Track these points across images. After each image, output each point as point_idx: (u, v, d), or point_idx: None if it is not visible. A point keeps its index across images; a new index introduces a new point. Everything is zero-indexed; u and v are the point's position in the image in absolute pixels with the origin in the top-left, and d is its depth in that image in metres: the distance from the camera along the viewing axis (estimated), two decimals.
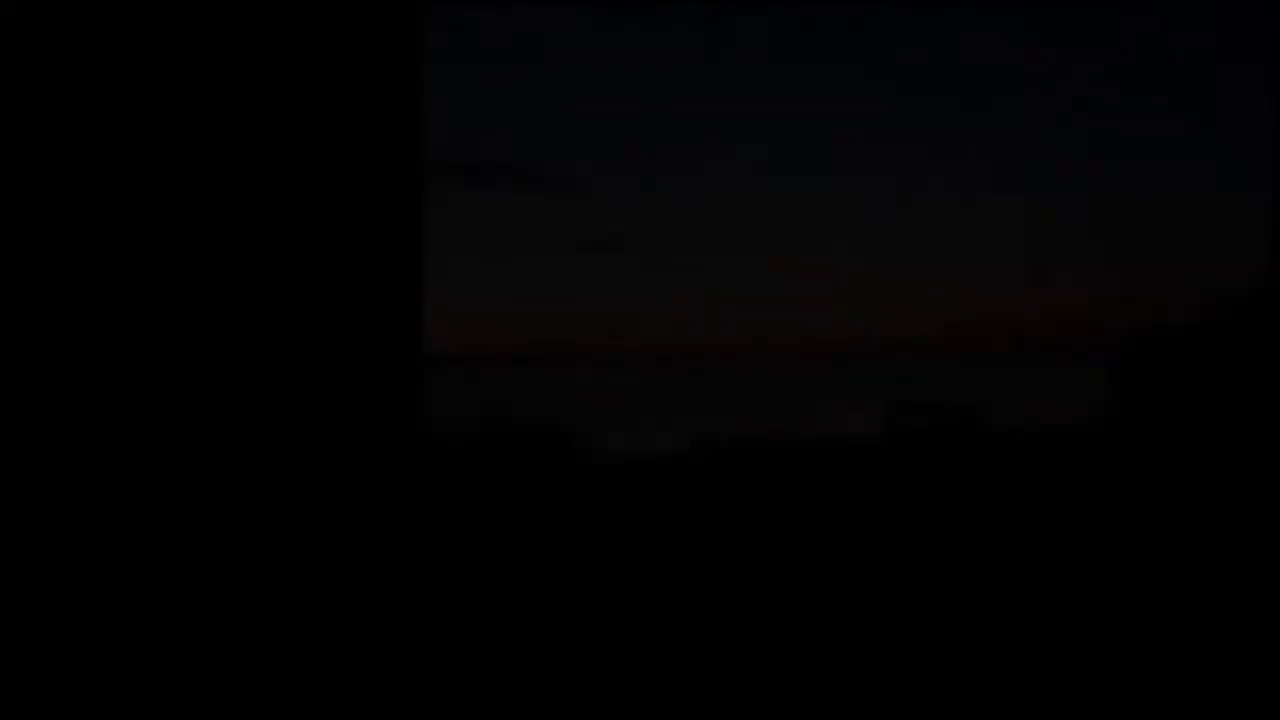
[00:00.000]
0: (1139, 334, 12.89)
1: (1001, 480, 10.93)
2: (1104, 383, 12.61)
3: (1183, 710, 4.00)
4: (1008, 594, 5.90)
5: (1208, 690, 4.20)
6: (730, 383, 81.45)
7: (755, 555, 7.45)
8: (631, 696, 4.36)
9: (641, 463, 19.15)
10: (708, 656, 4.86)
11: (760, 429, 29.74)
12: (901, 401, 15.57)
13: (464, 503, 8.99)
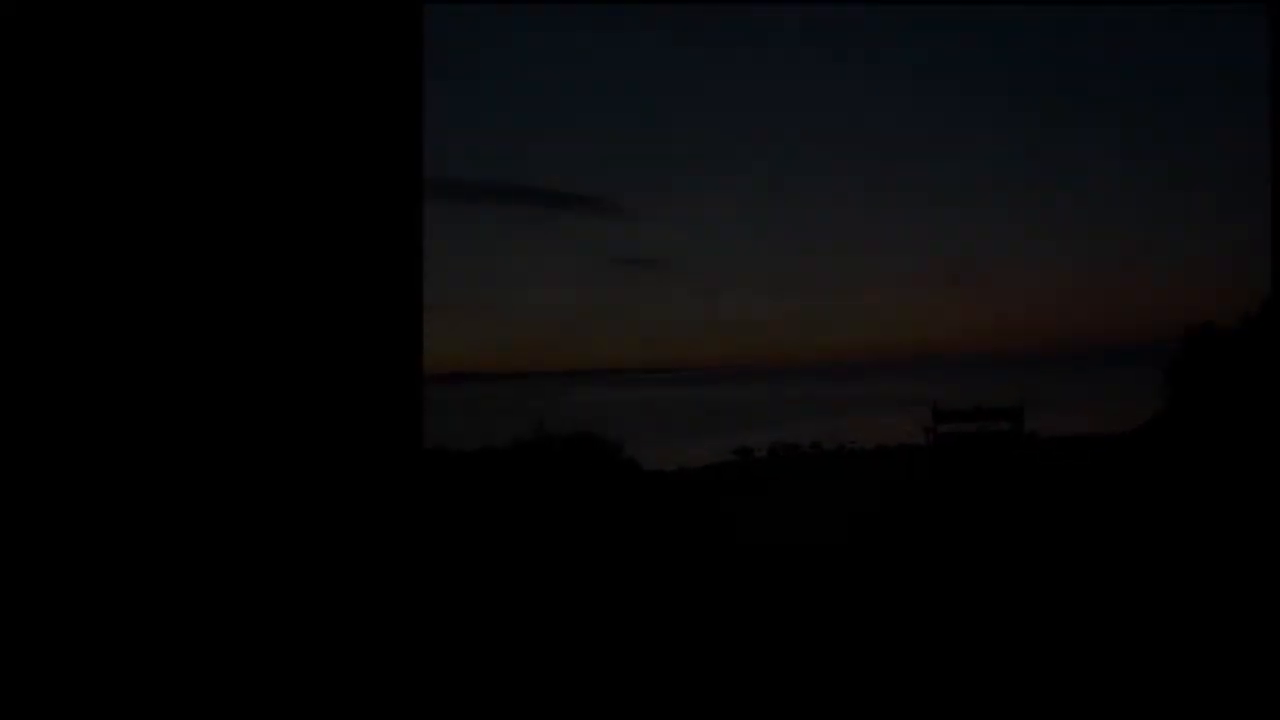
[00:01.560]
0: (1191, 334, 12.34)
1: (1053, 484, 10.54)
2: (1156, 384, 12.08)
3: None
4: (1063, 596, 5.59)
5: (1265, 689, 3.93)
6: (770, 395, 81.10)
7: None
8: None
9: (691, 471, 18.93)
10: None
11: (802, 439, 29.41)
12: (948, 409, 14.95)
13: (512, 505, 8.93)
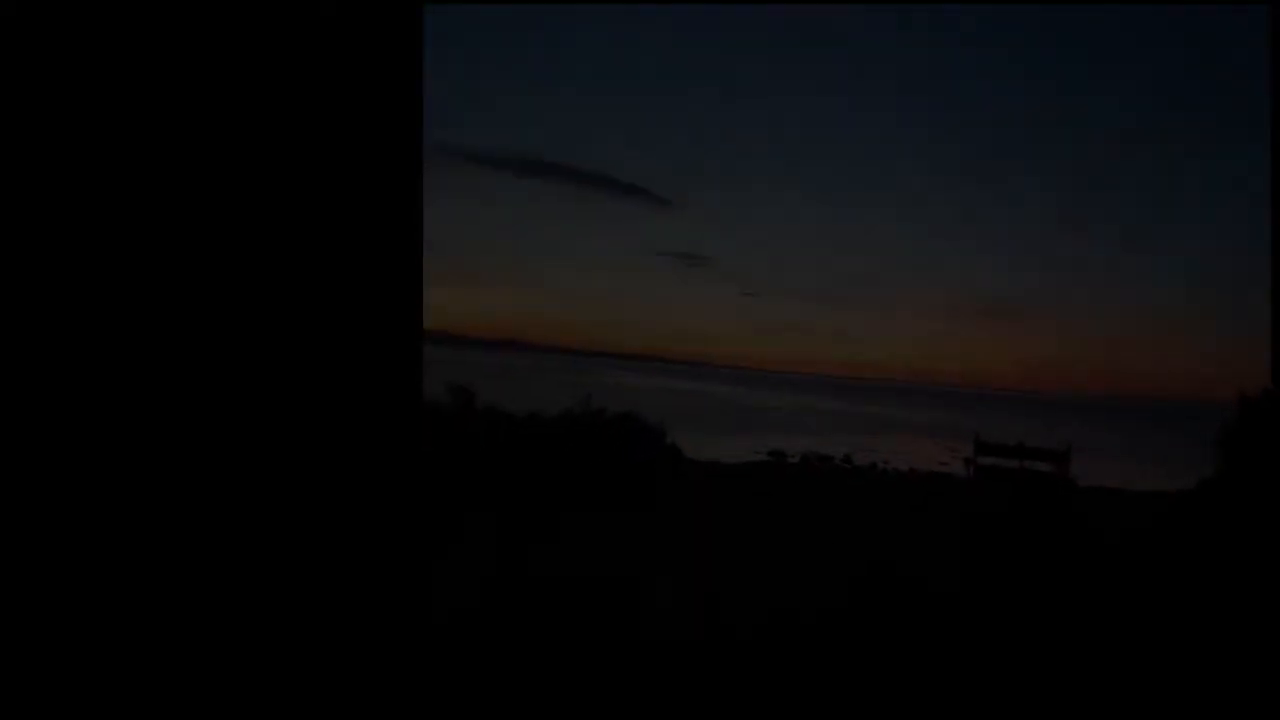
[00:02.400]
0: (1247, 400, 11.99)
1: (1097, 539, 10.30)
2: (1198, 445, 11.73)
3: None
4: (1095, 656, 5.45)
5: None
6: (802, 402, 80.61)
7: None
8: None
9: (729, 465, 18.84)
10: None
11: (834, 451, 29.20)
12: (992, 443, 14.67)
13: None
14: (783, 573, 7.01)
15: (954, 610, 5.94)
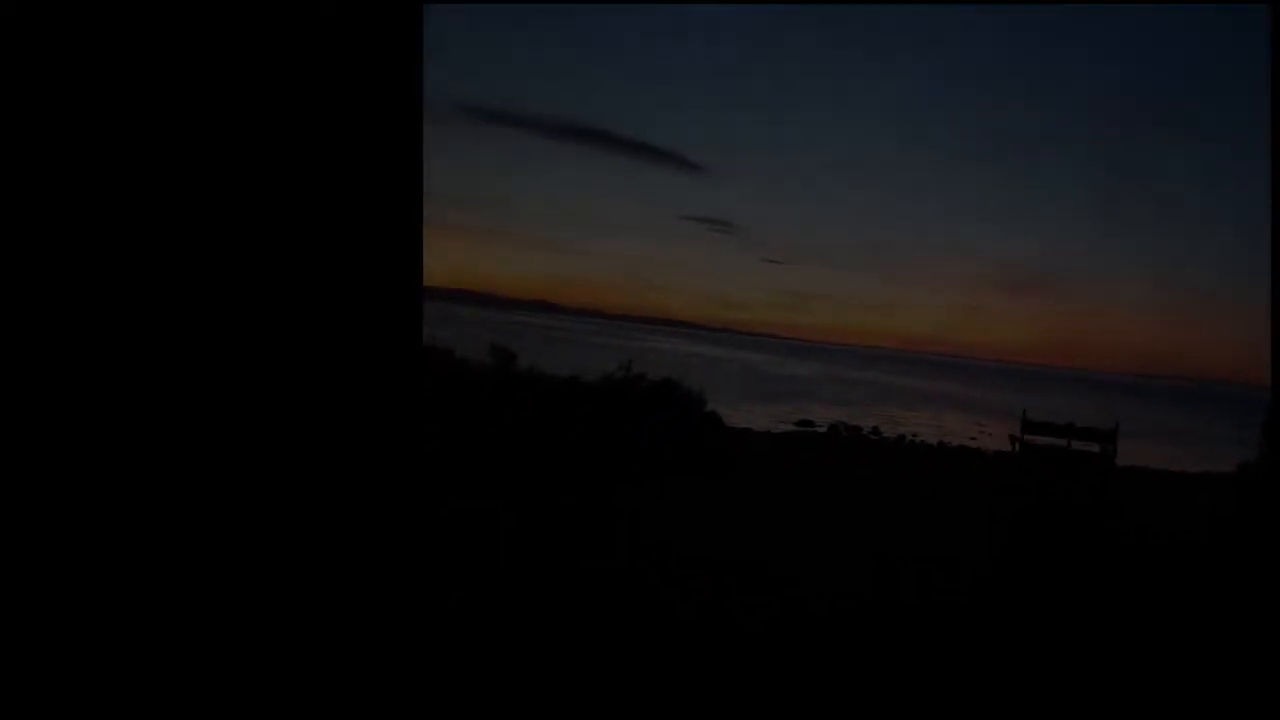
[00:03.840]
0: None
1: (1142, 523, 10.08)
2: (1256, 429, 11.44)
3: None
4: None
5: None
6: (829, 372, 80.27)
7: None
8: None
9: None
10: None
11: (863, 422, 29.00)
12: (1039, 421, 14.32)
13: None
14: (812, 560, 6.86)
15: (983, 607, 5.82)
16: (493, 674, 3.95)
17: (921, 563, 6.82)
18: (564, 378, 10.63)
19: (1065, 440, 13.68)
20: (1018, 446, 14.13)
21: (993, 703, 4.25)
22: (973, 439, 29.36)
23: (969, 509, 10.02)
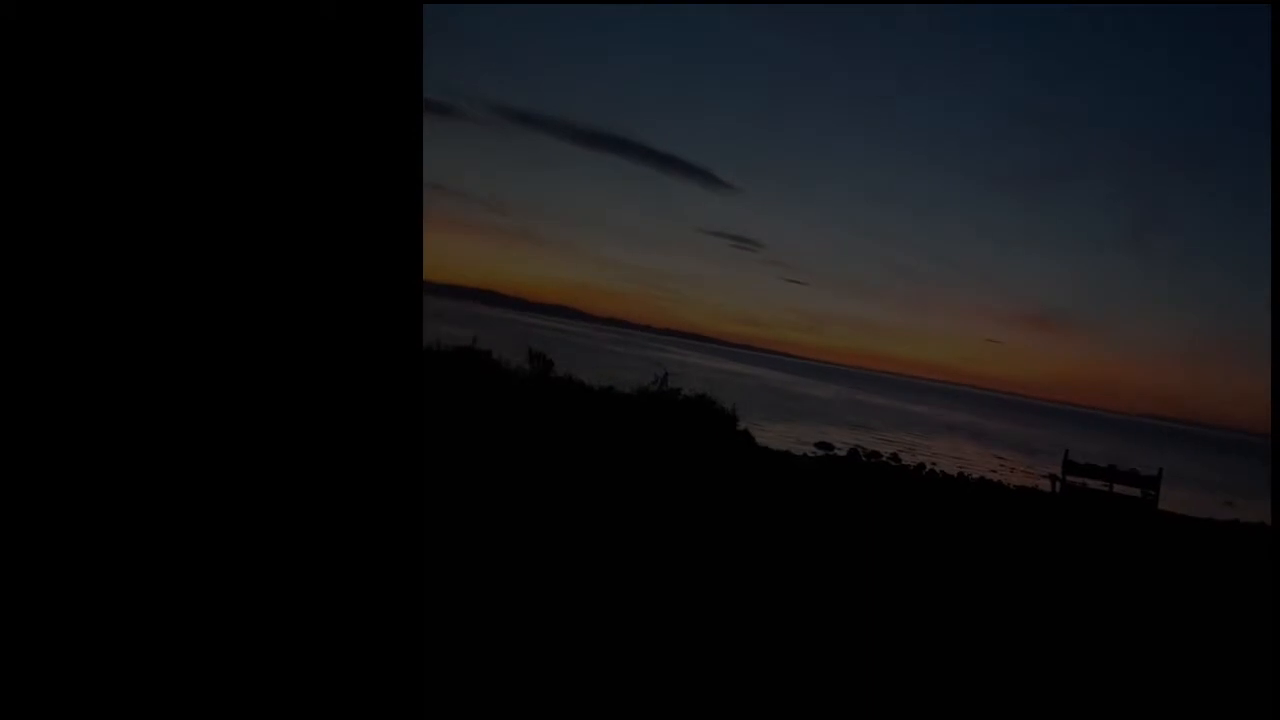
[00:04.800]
0: None
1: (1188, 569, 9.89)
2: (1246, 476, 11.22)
3: None
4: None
5: None
6: (848, 394, 79.91)
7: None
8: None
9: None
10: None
11: (882, 448, 28.85)
12: (1082, 463, 14.07)
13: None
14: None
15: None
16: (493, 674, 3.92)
17: None
18: (599, 388, 10.65)
19: (1108, 484, 13.44)
20: (1058, 486, 13.87)
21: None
22: (993, 471, 29.18)
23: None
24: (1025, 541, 9.94)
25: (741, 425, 12.98)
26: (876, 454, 26.38)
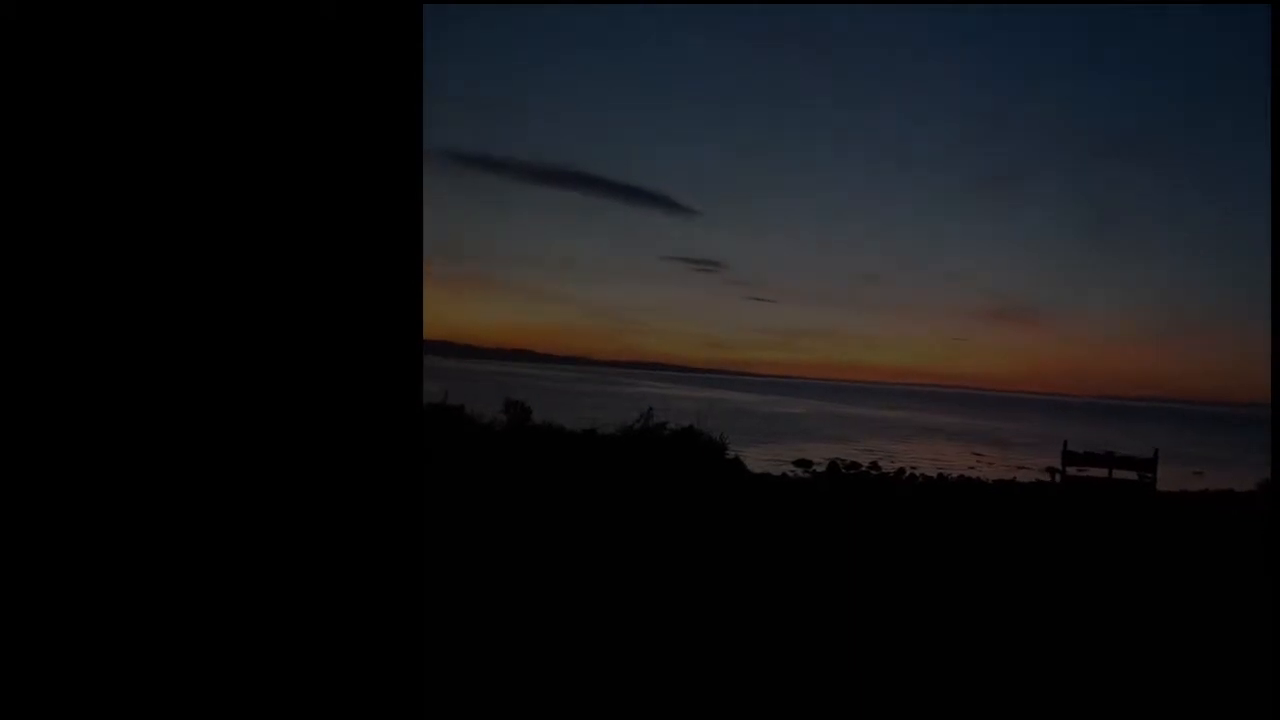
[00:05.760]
0: None
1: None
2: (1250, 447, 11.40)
3: None
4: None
5: None
6: (820, 408, 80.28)
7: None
8: None
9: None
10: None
11: (859, 458, 29.10)
12: (1080, 452, 14.18)
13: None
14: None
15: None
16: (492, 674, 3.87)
17: None
18: (580, 431, 10.73)
19: (1106, 470, 13.55)
20: (1058, 478, 13.95)
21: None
22: (971, 468, 29.53)
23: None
24: (1028, 540, 9.78)
25: (731, 453, 13.02)
26: (856, 465, 26.53)
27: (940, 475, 24.70)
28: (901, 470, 25.80)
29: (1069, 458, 13.90)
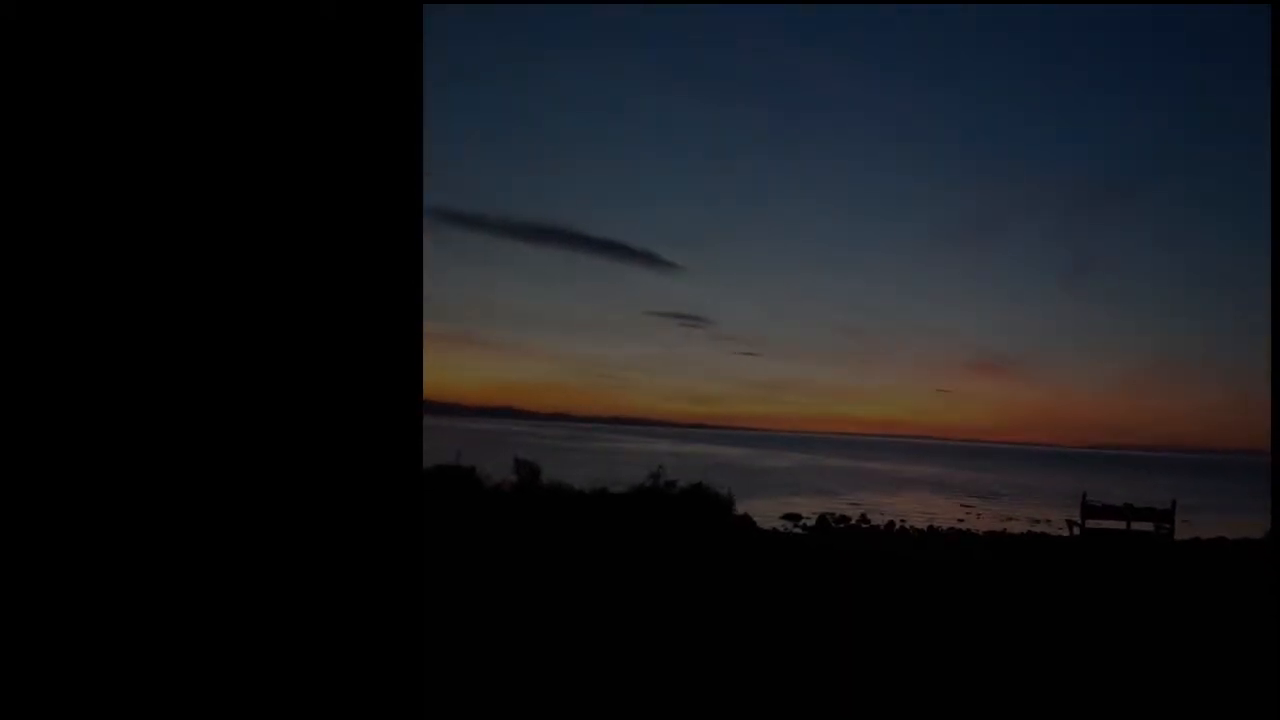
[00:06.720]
0: None
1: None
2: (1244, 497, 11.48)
3: None
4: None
5: None
6: (809, 461, 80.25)
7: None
8: None
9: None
10: None
11: (849, 511, 29.23)
12: (1099, 504, 14.46)
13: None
14: None
15: None
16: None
17: None
18: (590, 491, 10.91)
19: (1125, 522, 13.79)
20: (1077, 531, 14.18)
21: None
22: (960, 520, 29.70)
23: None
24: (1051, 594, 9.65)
25: (740, 509, 13.07)
26: (845, 518, 26.64)
27: (931, 527, 24.81)
28: (892, 523, 25.84)
29: (1089, 510, 14.09)
